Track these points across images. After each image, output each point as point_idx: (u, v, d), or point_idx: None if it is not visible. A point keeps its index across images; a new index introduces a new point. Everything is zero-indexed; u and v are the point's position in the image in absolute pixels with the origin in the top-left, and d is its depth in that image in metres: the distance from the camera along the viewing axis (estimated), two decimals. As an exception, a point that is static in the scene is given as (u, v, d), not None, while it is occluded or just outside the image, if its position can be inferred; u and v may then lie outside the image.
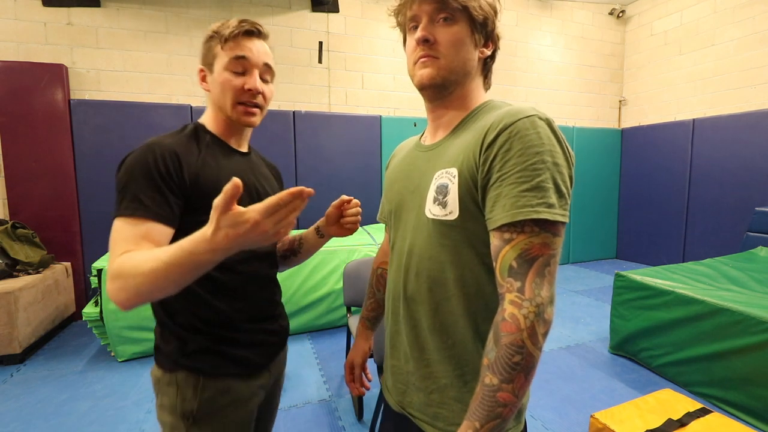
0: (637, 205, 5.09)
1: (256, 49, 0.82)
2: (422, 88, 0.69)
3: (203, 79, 0.85)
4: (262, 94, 0.84)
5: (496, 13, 0.68)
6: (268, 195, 0.86)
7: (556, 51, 5.07)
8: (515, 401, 0.55)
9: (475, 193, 0.61)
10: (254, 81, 0.81)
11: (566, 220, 0.57)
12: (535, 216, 0.54)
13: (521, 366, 0.54)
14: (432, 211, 0.66)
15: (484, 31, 0.67)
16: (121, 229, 0.67)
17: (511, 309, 0.55)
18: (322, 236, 0.99)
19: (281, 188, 1.00)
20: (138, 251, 0.64)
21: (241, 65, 0.80)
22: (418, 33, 0.66)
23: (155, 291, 0.59)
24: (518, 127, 0.57)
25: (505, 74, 4.84)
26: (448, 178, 0.64)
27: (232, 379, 0.83)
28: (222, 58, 0.80)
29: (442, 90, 0.68)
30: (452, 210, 0.63)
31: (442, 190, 0.64)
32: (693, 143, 4.40)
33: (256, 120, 0.85)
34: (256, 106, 0.84)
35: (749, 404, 1.86)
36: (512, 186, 0.56)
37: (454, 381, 0.67)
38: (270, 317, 0.93)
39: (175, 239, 0.66)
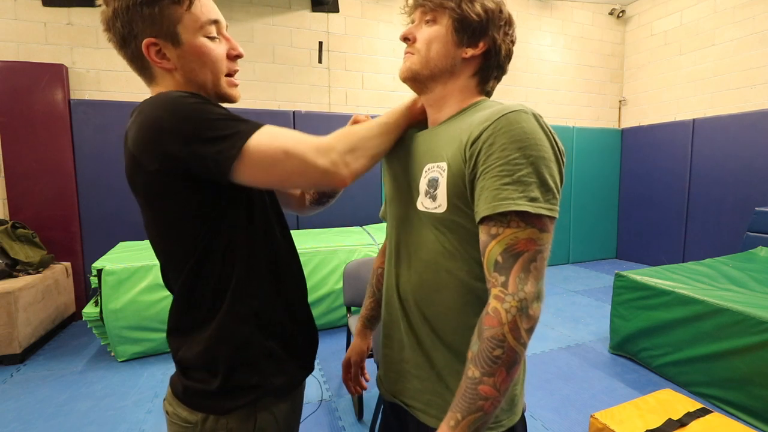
0: (637, 205, 5.09)
1: (216, 7, 0.70)
2: (402, 80, 0.73)
3: (157, 54, 0.65)
4: None
5: (491, 14, 0.68)
6: None
7: (556, 51, 5.07)
8: (497, 395, 0.55)
9: (462, 188, 0.62)
10: (236, 43, 0.71)
11: (553, 214, 0.57)
12: (515, 208, 0.54)
13: (502, 360, 0.54)
14: (423, 203, 0.68)
15: (469, 31, 0.67)
16: (281, 131, 0.63)
17: (494, 303, 0.55)
18: None
19: None
20: (342, 130, 0.67)
21: (215, 29, 0.68)
22: (401, 32, 0.73)
23: (379, 154, 0.70)
24: (502, 123, 0.58)
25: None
26: (439, 171, 0.65)
27: (299, 386, 0.79)
28: (192, 24, 0.65)
29: (418, 83, 0.72)
30: (441, 203, 0.64)
31: (433, 184, 0.66)
32: (693, 143, 4.40)
33: (239, 91, 0.75)
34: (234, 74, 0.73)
35: (749, 404, 1.86)
36: (494, 179, 0.56)
37: (447, 369, 0.68)
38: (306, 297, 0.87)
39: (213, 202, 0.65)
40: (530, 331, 0.55)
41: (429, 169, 0.67)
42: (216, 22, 0.68)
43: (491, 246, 0.57)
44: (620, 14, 5.21)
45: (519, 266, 0.55)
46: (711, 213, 4.24)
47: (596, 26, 5.23)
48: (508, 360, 0.54)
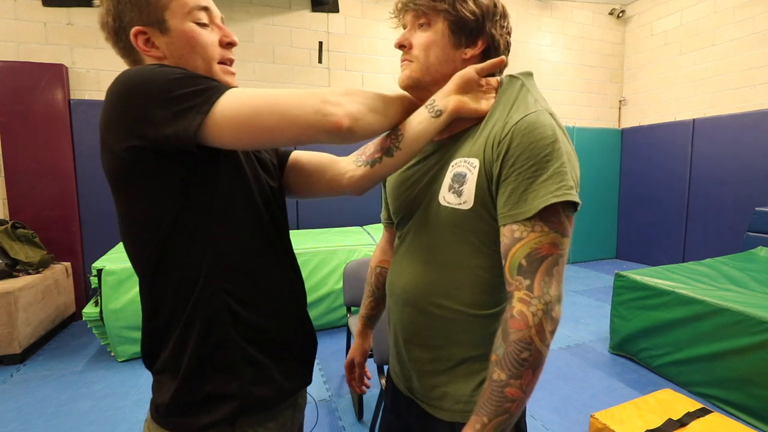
0: (637, 205, 5.09)
1: None
2: (403, 89, 0.71)
3: (146, 43, 0.64)
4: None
5: (486, 9, 0.67)
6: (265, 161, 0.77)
7: (556, 51, 5.07)
8: (523, 397, 0.56)
9: (490, 187, 0.62)
10: (230, 32, 0.68)
11: (579, 202, 0.58)
12: (554, 200, 0.55)
13: (529, 362, 0.55)
14: (446, 198, 0.67)
15: (466, 31, 0.67)
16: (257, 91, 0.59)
17: (519, 306, 0.56)
18: (439, 114, 0.65)
19: None
20: None
21: (206, 16, 0.65)
22: (396, 40, 0.71)
23: (376, 110, 0.62)
24: (527, 122, 0.59)
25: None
26: (467, 167, 0.64)
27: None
28: (180, 9, 0.63)
29: (421, 90, 0.70)
30: (467, 200, 0.64)
31: (459, 179, 0.65)
32: (693, 143, 4.40)
33: (236, 80, 0.70)
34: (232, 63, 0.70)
35: (749, 404, 1.86)
36: (529, 180, 0.57)
37: (460, 363, 0.69)
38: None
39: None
40: (553, 332, 0.57)
41: (456, 164, 0.66)
42: (206, 9, 0.65)
43: (515, 249, 0.57)
44: (620, 14, 5.21)
45: (543, 270, 0.56)
46: (711, 213, 4.24)
47: (596, 26, 5.23)
48: (534, 362, 0.56)
